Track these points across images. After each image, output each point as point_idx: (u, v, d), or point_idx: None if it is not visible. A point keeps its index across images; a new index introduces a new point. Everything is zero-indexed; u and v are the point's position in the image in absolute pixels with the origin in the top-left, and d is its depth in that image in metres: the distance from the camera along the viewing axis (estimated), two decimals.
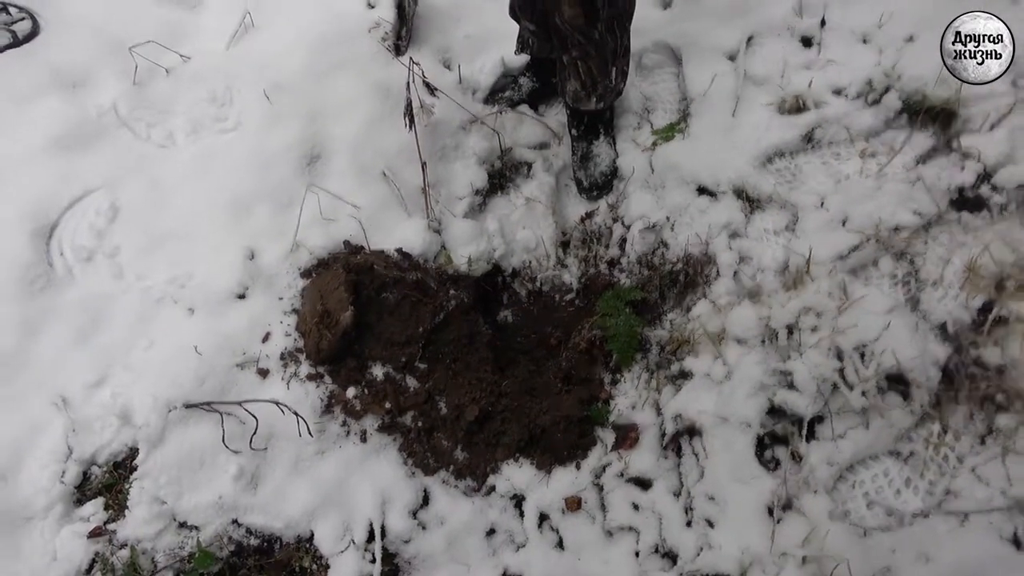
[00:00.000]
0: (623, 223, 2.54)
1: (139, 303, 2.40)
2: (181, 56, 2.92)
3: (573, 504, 2.11)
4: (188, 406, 2.18)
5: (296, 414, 2.14)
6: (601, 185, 2.62)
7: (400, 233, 2.49)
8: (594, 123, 2.61)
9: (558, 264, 2.61)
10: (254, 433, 2.14)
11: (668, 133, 2.63)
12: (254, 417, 2.15)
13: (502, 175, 2.70)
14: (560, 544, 2.09)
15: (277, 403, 2.16)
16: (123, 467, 2.18)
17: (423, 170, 2.50)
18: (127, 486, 2.13)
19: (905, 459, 1.91)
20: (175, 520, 2.09)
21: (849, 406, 1.93)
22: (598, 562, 2.03)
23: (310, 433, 2.16)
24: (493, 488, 2.19)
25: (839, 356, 1.97)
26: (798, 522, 1.84)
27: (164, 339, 2.33)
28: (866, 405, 1.91)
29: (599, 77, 2.38)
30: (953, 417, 1.93)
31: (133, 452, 2.18)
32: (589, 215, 2.63)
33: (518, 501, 2.17)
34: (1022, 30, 2.12)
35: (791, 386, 1.98)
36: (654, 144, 2.62)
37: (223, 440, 2.13)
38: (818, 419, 1.96)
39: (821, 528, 1.80)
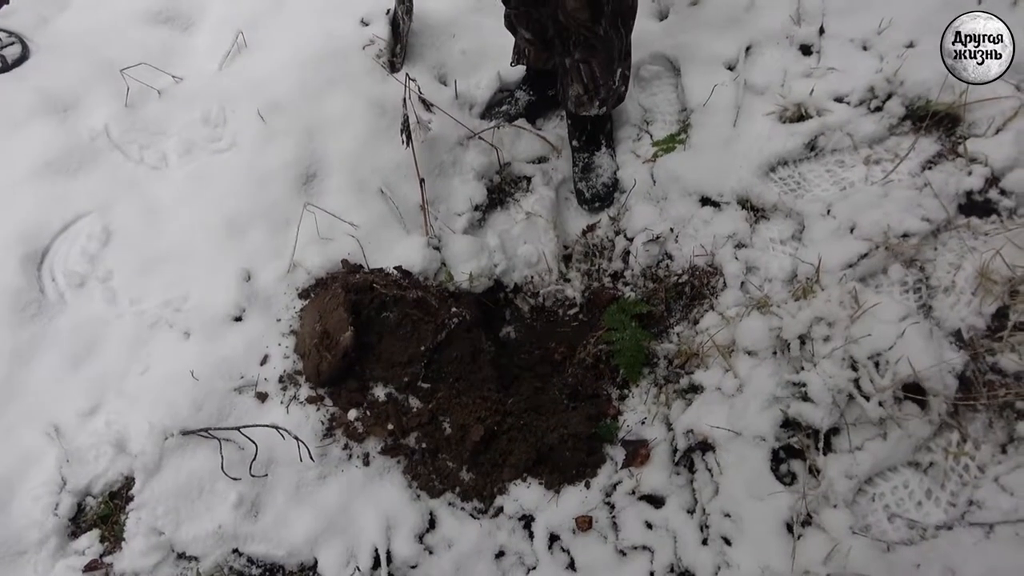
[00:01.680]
0: (626, 236, 2.50)
1: (133, 328, 2.34)
2: (173, 77, 2.89)
3: (584, 524, 2.05)
4: (185, 433, 2.12)
5: (296, 438, 2.08)
6: (603, 196, 2.58)
7: (399, 251, 2.45)
8: (595, 132, 2.58)
9: (560, 279, 2.56)
10: (253, 459, 2.08)
11: (669, 144, 2.60)
12: (253, 443, 2.08)
13: (501, 190, 2.66)
14: (571, 565, 2.02)
15: (277, 427, 2.10)
16: (119, 497, 2.11)
17: (421, 186, 2.46)
18: (123, 517, 2.06)
19: (925, 470, 1.86)
20: (173, 551, 2.02)
21: (866, 417, 1.87)
22: None
23: (311, 457, 2.09)
24: (501, 509, 2.12)
25: (853, 366, 1.92)
26: (819, 538, 1.78)
27: (159, 364, 2.27)
28: (883, 415, 1.86)
29: (602, 79, 2.35)
30: (972, 426, 1.88)
31: (129, 482, 2.11)
32: (591, 228, 2.59)
33: (527, 522, 2.11)
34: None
35: (805, 398, 1.93)
36: (655, 156, 2.59)
37: (222, 467, 2.06)
38: (834, 431, 1.90)
39: (843, 544, 1.74)
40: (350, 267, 2.40)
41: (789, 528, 1.83)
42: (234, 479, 2.06)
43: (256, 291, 2.37)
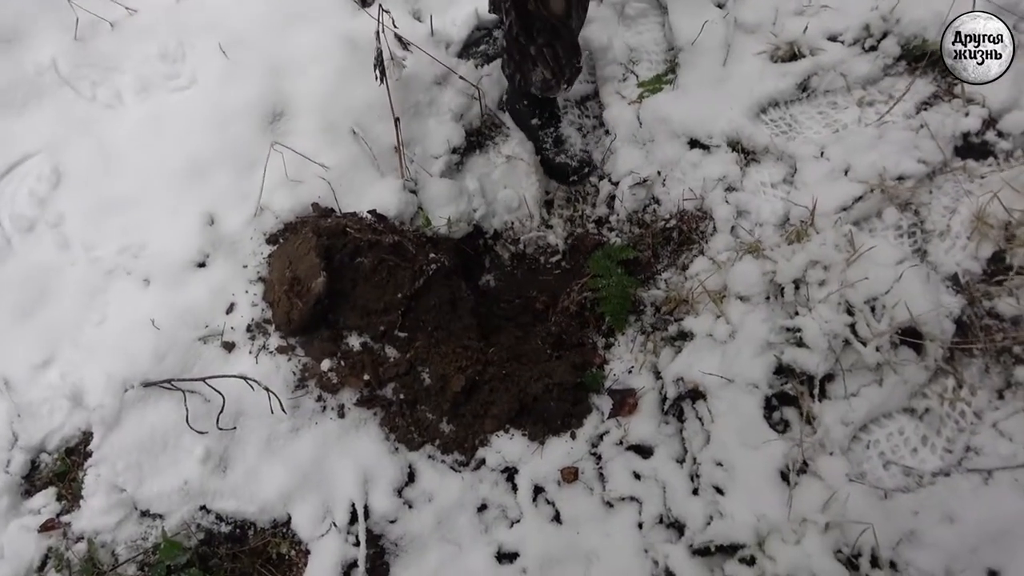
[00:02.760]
0: (610, 180, 2.40)
1: (88, 275, 2.19)
2: (127, 9, 2.68)
3: (569, 475, 1.98)
4: (147, 384, 1.99)
5: (267, 389, 1.96)
6: (589, 160, 2.47)
7: (373, 194, 2.32)
8: (554, 106, 2.48)
9: (542, 224, 2.46)
10: (221, 411, 1.96)
11: (655, 85, 2.49)
12: (220, 394, 1.96)
13: (480, 132, 2.53)
14: (557, 518, 1.95)
15: (245, 378, 1.98)
16: (76, 453, 1.99)
17: (396, 126, 2.32)
18: (81, 474, 1.94)
19: (920, 416, 1.81)
20: (136, 509, 1.91)
21: (862, 362, 1.82)
22: (598, 535, 1.90)
23: (283, 409, 1.98)
24: (483, 462, 2.04)
25: (849, 311, 1.86)
26: (816, 486, 1.73)
27: (117, 313, 2.13)
28: (880, 361, 1.80)
29: (566, 61, 2.22)
30: (968, 371, 1.83)
31: (87, 437, 1.98)
32: None
33: (510, 474, 2.03)
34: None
35: (800, 343, 1.86)
36: (640, 97, 2.48)
37: (187, 420, 1.94)
38: (829, 377, 1.85)
39: (841, 492, 1.69)
40: (321, 211, 2.27)
41: (784, 476, 1.77)
42: (200, 433, 1.95)
43: (221, 236, 2.23)
